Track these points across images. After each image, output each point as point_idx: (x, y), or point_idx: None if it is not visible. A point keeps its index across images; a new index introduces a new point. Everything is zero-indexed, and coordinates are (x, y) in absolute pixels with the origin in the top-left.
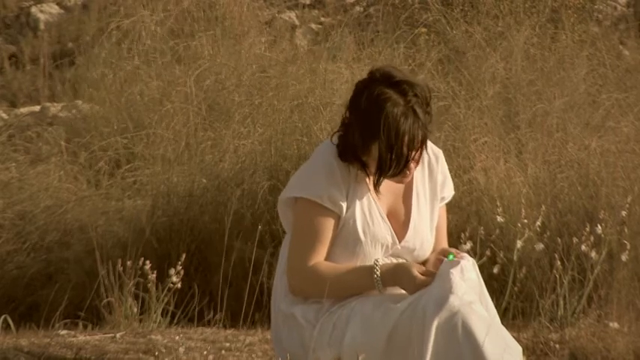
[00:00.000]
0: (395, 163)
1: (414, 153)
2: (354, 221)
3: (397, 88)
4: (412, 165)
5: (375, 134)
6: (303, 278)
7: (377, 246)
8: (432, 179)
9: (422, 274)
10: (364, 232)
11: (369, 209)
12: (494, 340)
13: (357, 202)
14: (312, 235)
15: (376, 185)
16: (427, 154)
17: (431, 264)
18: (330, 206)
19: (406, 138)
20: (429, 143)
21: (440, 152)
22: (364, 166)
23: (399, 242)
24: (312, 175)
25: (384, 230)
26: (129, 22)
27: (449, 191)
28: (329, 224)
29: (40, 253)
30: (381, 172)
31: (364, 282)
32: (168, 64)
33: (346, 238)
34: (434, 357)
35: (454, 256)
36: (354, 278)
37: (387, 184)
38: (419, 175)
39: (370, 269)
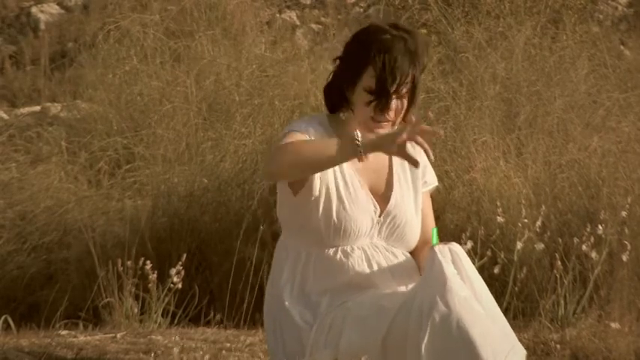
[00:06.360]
0: (390, 80)
1: (400, 86)
2: (335, 186)
3: (390, 27)
4: (393, 105)
5: (365, 58)
6: (276, 152)
7: (358, 210)
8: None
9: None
10: (346, 197)
11: (350, 178)
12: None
13: (334, 171)
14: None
15: (382, 108)
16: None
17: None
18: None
19: (398, 59)
20: None
21: None
22: (348, 103)
23: (382, 213)
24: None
25: (363, 197)
26: (128, 22)
27: (431, 177)
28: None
29: (41, 253)
30: (379, 92)
31: (343, 147)
32: (169, 64)
33: (327, 208)
34: (430, 356)
35: (437, 231)
36: (331, 143)
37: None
38: (397, 160)
39: (352, 136)
